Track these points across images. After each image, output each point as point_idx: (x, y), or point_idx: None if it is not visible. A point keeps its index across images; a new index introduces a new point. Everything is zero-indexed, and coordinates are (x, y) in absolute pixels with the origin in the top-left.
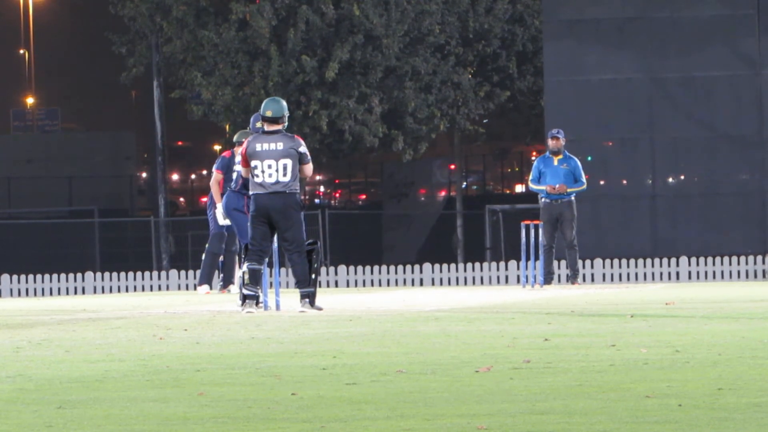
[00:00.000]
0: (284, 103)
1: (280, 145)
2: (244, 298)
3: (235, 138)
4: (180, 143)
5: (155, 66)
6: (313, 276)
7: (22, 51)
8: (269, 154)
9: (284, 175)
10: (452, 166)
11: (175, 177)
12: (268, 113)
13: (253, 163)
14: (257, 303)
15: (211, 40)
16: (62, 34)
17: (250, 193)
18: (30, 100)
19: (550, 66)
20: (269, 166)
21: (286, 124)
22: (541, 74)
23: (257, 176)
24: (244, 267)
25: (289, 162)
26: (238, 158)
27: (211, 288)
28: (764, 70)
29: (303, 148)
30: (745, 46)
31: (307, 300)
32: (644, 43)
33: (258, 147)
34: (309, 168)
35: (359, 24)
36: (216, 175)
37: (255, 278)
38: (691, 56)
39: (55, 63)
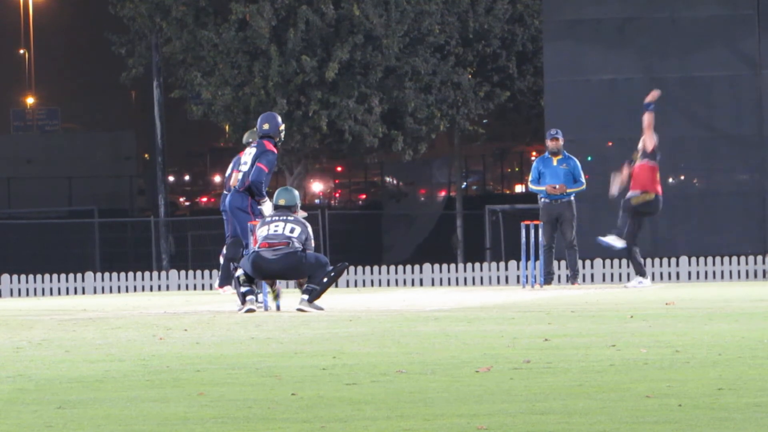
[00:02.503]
0: (296, 192)
1: (291, 218)
2: (243, 296)
3: (244, 139)
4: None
5: (155, 66)
6: (325, 279)
7: (22, 51)
8: (278, 218)
9: (291, 232)
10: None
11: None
12: (281, 202)
13: (260, 231)
14: (257, 298)
15: (210, 40)
16: (62, 34)
17: (251, 250)
18: (30, 100)
19: (550, 66)
20: (276, 225)
21: (299, 214)
22: (541, 74)
23: (262, 234)
24: (239, 272)
25: (297, 228)
26: (244, 158)
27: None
28: (764, 70)
29: (311, 232)
30: (745, 46)
31: (307, 297)
32: (644, 43)
33: (268, 218)
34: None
35: (359, 24)
36: (235, 175)
37: (249, 277)
38: (691, 56)
39: (55, 63)
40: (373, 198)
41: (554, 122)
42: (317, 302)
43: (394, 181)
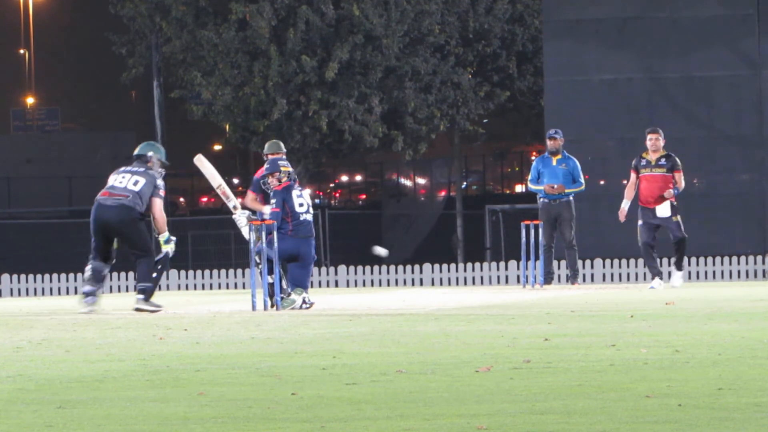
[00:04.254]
0: (159, 146)
1: (141, 169)
2: (84, 295)
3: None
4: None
5: (155, 66)
6: (155, 275)
7: (22, 51)
8: (129, 170)
9: (134, 185)
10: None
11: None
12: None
13: (109, 179)
14: (95, 302)
15: (210, 40)
16: (62, 34)
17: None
18: (30, 100)
19: (550, 66)
20: (123, 177)
21: (156, 168)
22: (541, 74)
23: (109, 182)
24: (89, 265)
25: (142, 180)
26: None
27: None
28: (764, 70)
29: (160, 182)
30: (745, 46)
31: (142, 296)
32: (644, 43)
33: (121, 169)
34: (157, 203)
35: (359, 24)
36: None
37: (97, 276)
38: (691, 56)
39: (55, 63)
40: (373, 198)
41: (554, 122)
42: (153, 299)
43: (400, 177)
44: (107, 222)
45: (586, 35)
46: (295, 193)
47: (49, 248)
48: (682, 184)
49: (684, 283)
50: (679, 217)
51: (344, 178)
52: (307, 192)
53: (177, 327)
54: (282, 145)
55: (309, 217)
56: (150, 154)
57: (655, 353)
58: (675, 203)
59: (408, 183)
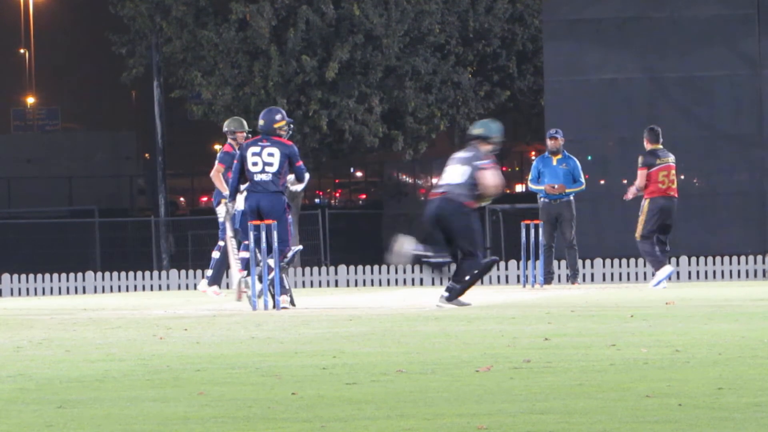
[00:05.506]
0: (491, 126)
1: (468, 155)
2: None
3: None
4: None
5: (155, 66)
6: (468, 278)
7: (22, 51)
8: (455, 160)
9: (460, 176)
10: None
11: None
12: (478, 131)
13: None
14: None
15: (211, 40)
16: (62, 34)
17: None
18: (30, 100)
19: (550, 66)
20: (451, 169)
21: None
22: (541, 74)
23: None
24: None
25: (467, 169)
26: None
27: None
28: (764, 70)
29: (478, 162)
30: (745, 46)
31: (446, 294)
32: (644, 43)
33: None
34: (480, 176)
35: (359, 24)
36: (217, 166)
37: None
38: (691, 56)
39: (55, 63)
40: (373, 198)
41: (554, 122)
42: (461, 299)
43: (400, 176)
44: (437, 216)
45: (586, 35)
46: (251, 150)
47: (49, 248)
48: (637, 181)
49: (658, 286)
50: (641, 217)
51: (344, 178)
52: (275, 148)
53: (177, 327)
54: (244, 122)
55: (265, 177)
56: (487, 134)
57: (655, 353)
58: (643, 201)
59: (409, 182)
